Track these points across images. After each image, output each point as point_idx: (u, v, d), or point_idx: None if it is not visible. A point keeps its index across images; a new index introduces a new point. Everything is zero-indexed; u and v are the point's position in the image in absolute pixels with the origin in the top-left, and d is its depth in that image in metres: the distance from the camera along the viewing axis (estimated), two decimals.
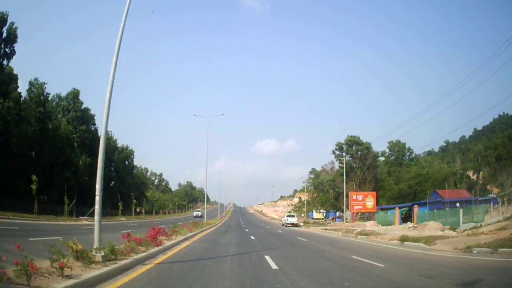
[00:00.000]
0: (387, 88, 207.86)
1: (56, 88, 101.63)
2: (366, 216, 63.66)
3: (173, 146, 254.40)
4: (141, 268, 7.88)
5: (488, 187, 62.42)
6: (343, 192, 73.97)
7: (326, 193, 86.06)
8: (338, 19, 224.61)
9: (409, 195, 64.84)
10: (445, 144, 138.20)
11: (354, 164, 72.85)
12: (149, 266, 8.28)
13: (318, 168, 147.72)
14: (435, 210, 34.90)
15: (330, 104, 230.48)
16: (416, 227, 29.86)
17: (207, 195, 40.79)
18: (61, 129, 54.53)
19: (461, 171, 70.21)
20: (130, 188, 75.65)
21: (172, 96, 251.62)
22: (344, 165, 58.30)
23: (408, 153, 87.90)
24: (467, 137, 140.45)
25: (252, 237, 21.39)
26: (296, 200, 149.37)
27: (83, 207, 44.61)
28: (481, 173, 72.03)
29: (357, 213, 65.82)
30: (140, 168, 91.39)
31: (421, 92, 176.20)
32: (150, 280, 6.73)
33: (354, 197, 52.51)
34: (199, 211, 76.45)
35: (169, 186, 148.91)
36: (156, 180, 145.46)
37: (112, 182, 74.88)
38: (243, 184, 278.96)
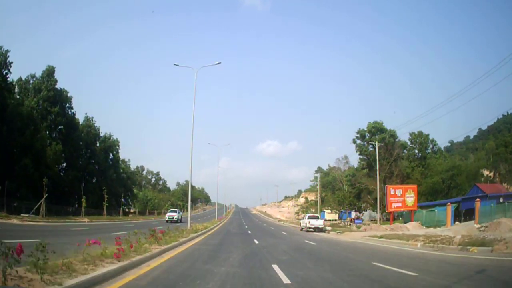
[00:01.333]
0: (387, 88, 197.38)
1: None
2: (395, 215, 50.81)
3: (174, 147, 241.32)
4: None
5: (504, 184, 55.81)
6: (365, 188, 60.85)
7: (338, 191, 73.23)
8: (339, 19, 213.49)
9: (443, 190, 54.78)
10: (449, 144, 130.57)
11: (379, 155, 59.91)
12: None
13: (324, 167, 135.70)
14: (506, 203, 28.51)
15: (331, 104, 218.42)
16: (486, 227, 20.22)
17: (191, 185, 26.61)
18: (23, 106, 42.59)
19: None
20: (112, 184, 62.68)
21: (172, 96, 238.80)
22: (376, 151, 45.24)
23: (431, 146, 77.08)
24: (471, 137, 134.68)
25: (278, 270, 8.10)
26: (302, 200, 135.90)
27: (51, 204, 35.80)
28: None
29: (383, 212, 53.50)
30: (128, 162, 77.94)
31: (421, 92, 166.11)
32: None
33: (393, 191, 39.24)
34: (174, 211, 45.83)
35: (167, 186, 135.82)
36: (153, 179, 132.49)
37: (94, 179, 62.04)
38: (245, 185, 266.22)
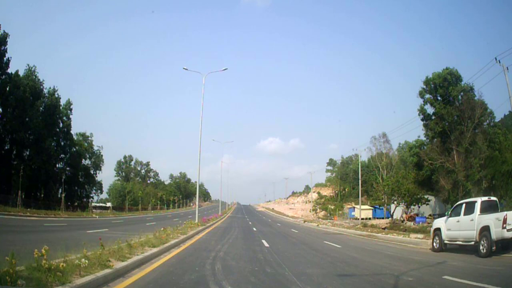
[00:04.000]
0: (387, 89, 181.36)
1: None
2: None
3: (176, 145, 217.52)
4: None
5: None
6: (440, 167, 37.51)
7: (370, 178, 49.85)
8: (339, 19, 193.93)
9: None
10: None
11: (457, 117, 37.11)
12: None
13: (337, 158, 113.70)
14: None
15: (332, 103, 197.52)
16: None
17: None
18: None
19: None
20: (50, 161, 39.69)
21: (173, 96, 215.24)
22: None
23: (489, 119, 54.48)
24: None
25: None
26: (314, 195, 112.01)
27: None
28: None
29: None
30: (90, 138, 52.52)
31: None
32: None
33: None
34: None
35: (159, 178, 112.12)
36: (143, 171, 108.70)
37: (27, 152, 38.87)
38: (246, 183, 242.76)
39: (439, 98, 38.55)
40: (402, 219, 39.93)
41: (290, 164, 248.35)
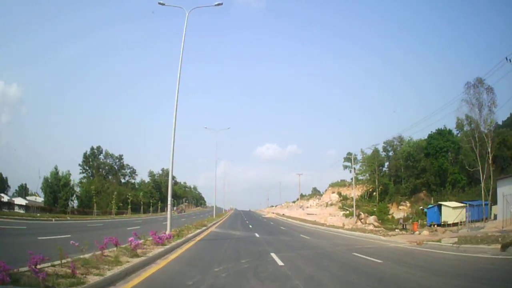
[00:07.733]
0: (387, 90, 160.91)
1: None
2: None
3: (162, 146, 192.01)
4: None
5: None
6: None
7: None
8: (338, 21, 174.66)
9: None
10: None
11: None
12: None
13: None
14: None
15: (330, 107, 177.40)
16: None
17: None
18: None
19: None
20: None
21: (170, 99, 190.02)
22: None
23: None
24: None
25: None
26: (334, 197, 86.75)
27: None
28: None
29: None
30: None
31: (421, 93, 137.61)
32: None
33: None
34: None
35: (136, 175, 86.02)
36: (116, 165, 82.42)
37: None
38: (244, 189, 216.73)
39: None
40: None
41: (288, 170, 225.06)
